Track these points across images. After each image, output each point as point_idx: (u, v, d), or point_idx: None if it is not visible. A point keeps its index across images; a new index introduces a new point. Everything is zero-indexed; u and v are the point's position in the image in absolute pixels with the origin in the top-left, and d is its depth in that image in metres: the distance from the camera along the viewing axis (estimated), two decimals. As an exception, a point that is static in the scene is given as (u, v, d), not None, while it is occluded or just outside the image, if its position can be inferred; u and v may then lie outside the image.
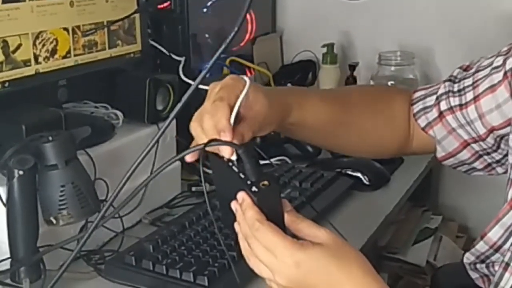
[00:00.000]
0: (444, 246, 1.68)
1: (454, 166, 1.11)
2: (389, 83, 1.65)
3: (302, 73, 1.79)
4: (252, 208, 0.82)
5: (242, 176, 0.83)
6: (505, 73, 0.98)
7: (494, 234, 0.98)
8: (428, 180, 1.68)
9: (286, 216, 0.84)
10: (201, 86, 0.85)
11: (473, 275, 1.03)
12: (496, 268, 0.96)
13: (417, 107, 1.10)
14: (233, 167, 0.85)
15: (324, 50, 1.73)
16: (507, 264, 0.92)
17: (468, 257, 1.02)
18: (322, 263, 0.81)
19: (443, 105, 1.06)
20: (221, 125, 0.84)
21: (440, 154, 1.09)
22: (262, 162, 1.41)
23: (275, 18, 1.91)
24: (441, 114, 1.06)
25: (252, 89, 0.89)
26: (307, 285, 0.81)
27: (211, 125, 0.85)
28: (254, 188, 0.82)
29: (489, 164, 1.08)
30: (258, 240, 0.82)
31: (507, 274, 0.91)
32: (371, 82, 1.67)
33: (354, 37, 1.83)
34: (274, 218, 0.83)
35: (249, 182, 0.83)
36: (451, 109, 1.05)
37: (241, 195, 0.83)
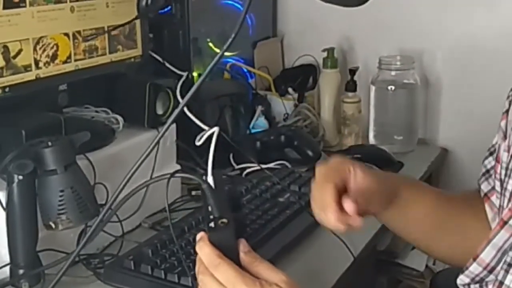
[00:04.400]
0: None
1: None
2: (389, 87, 1.65)
3: (302, 77, 1.80)
4: (209, 245, 0.83)
5: (210, 209, 0.85)
6: None
7: (486, 255, 0.96)
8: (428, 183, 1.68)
9: (243, 256, 0.84)
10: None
11: None
12: (490, 287, 0.96)
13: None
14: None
15: (325, 54, 1.73)
16: (501, 283, 0.91)
17: (463, 279, 1.00)
18: None
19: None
20: (327, 202, 0.91)
21: None
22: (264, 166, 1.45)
23: (276, 22, 1.91)
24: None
25: (360, 169, 0.97)
26: None
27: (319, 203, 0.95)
28: (211, 224, 0.84)
29: None
30: (213, 277, 0.82)
31: None
32: (371, 86, 1.67)
33: (354, 42, 1.83)
34: (228, 256, 0.83)
35: (211, 217, 0.84)
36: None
37: (200, 233, 0.84)
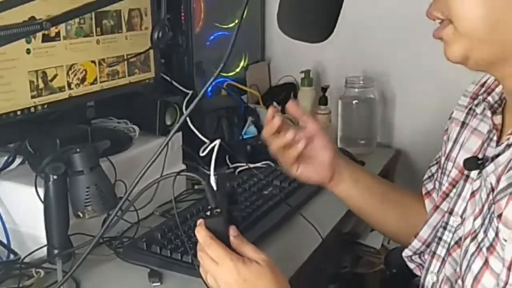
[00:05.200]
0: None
1: None
2: (354, 101, 1.66)
3: (285, 93, 1.79)
4: (204, 229, 0.84)
5: (211, 201, 0.85)
6: None
7: (424, 233, 0.99)
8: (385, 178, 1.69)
9: (232, 239, 0.84)
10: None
11: (411, 265, 1.03)
12: (426, 257, 0.97)
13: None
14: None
15: (302, 75, 1.74)
16: (434, 253, 0.93)
17: (407, 252, 1.02)
18: (256, 276, 0.81)
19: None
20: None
21: None
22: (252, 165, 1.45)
23: (264, 49, 1.91)
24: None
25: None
26: None
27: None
28: (208, 213, 0.84)
29: None
30: (207, 254, 0.83)
31: (434, 261, 0.92)
32: (339, 101, 1.68)
33: (326, 65, 1.83)
34: (220, 239, 0.84)
35: (209, 207, 0.85)
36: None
37: (199, 219, 0.85)
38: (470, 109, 0.97)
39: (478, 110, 0.92)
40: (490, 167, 0.81)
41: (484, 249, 0.76)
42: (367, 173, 1.11)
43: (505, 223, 0.72)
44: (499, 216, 0.74)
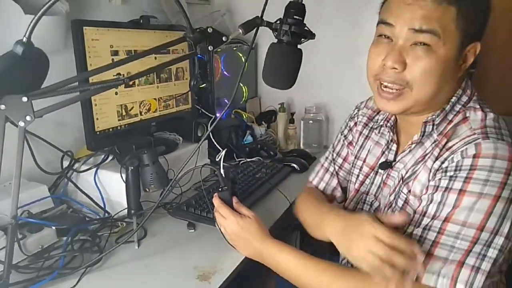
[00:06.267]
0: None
1: None
2: (310, 121, 1.65)
3: (269, 116, 1.78)
4: (218, 199, 0.85)
5: (221, 182, 0.86)
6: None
7: (348, 205, 0.91)
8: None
9: (234, 204, 0.85)
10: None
11: None
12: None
13: None
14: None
15: (279, 105, 1.73)
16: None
17: None
18: (248, 225, 0.81)
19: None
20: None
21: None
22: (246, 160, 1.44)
23: (257, 89, 1.89)
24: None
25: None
26: (240, 235, 0.82)
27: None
28: (220, 189, 0.86)
29: None
30: (219, 213, 0.84)
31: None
32: (301, 121, 1.67)
33: (294, 99, 1.82)
34: (227, 204, 0.85)
35: (220, 186, 0.86)
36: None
37: (215, 193, 0.86)
38: (371, 127, 0.91)
39: (377, 129, 0.89)
40: (398, 165, 0.79)
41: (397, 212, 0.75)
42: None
43: (413, 194, 0.73)
44: (409, 191, 0.73)
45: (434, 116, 0.73)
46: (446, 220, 0.64)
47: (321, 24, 1.42)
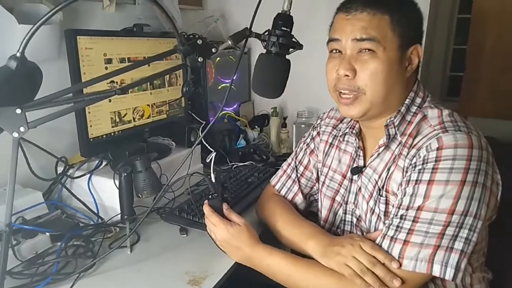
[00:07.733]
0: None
1: None
2: (302, 125, 1.65)
3: (262, 120, 1.79)
4: (208, 206, 0.84)
5: (211, 189, 0.86)
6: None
7: (326, 216, 0.92)
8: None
9: (225, 211, 0.84)
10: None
11: None
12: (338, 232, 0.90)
13: None
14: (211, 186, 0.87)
15: (272, 110, 1.73)
16: (343, 230, 0.88)
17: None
18: (238, 232, 0.81)
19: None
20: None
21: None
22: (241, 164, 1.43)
23: (250, 93, 1.89)
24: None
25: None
26: (230, 243, 0.82)
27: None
28: (210, 196, 0.85)
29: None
30: (210, 220, 0.84)
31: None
32: (293, 125, 1.67)
33: (286, 103, 1.82)
34: (217, 211, 0.84)
35: (210, 193, 0.85)
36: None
37: (205, 200, 0.85)
38: (335, 135, 0.92)
39: (341, 137, 0.90)
40: (368, 170, 0.82)
41: (381, 216, 0.77)
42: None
43: (392, 193, 0.75)
44: (387, 192, 0.76)
45: (392, 118, 0.77)
46: (419, 209, 0.68)
47: (313, 29, 1.41)
